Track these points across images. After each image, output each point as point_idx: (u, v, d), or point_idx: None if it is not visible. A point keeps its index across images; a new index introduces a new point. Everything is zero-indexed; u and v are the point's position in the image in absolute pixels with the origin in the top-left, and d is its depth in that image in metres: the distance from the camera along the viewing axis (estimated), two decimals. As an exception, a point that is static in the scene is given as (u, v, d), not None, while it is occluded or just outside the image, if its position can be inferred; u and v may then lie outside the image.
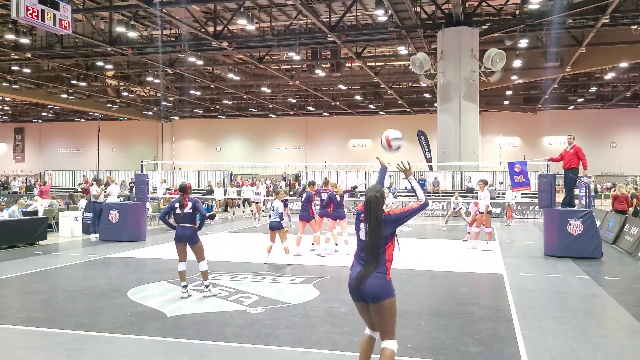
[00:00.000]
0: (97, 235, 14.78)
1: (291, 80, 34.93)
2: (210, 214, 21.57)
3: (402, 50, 29.68)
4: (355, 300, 4.19)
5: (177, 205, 7.58)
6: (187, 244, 7.62)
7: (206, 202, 22.13)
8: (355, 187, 13.21)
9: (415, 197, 4.43)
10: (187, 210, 7.52)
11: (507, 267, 10.42)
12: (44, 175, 39.10)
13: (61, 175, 36.99)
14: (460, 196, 20.02)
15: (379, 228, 4.06)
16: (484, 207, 12.91)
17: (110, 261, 11.00)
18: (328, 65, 33.08)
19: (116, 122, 54.13)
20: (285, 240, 10.36)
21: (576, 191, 19.13)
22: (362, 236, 4.17)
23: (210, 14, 25.94)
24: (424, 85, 33.31)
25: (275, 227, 10.36)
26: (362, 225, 4.18)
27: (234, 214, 24.17)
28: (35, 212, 15.57)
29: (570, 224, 11.53)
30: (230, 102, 46.30)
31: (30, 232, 13.30)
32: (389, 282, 4.10)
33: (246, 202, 23.55)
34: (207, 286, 7.71)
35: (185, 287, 7.66)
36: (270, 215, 10.62)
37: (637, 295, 8.17)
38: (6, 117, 57.32)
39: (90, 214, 15.95)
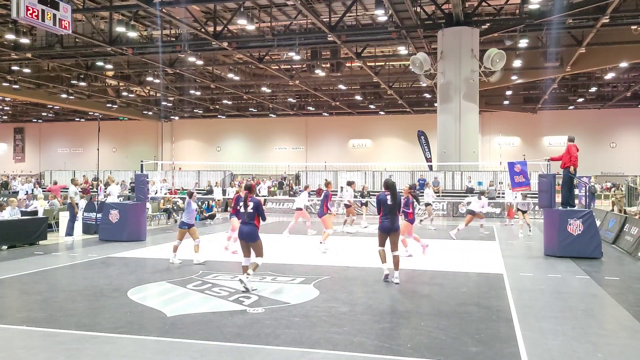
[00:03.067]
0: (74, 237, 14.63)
1: (291, 80, 34.93)
2: (210, 214, 21.64)
3: (402, 50, 29.68)
4: (384, 233, 8.71)
5: (241, 203, 8.09)
6: (247, 242, 8.00)
7: (206, 202, 22.12)
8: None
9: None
10: (249, 210, 7.96)
11: (507, 267, 10.43)
12: (43, 175, 39.11)
13: (61, 175, 36.97)
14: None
15: (396, 198, 8.71)
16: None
17: (110, 261, 11.00)
18: (328, 65, 33.08)
19: (116, 122, 54.13)
20: (197, 238, 10.54)
21: (575, 191, 19.17)
22: (389, 202, 8.64)
23: (210, 14, 25.94)
24: (424, 85, 33.29)
25: (186, 227, 10.47)
26: (388, 198, 8.66)
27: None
28: (35, 212, 15.56)
29: (570, 224, 11.53)
30: (230, 102, 46.31)
31: (31, 232, 13.31)
32: (398, 222, 8.86)
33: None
34: (248, 274, 7.94)
35: (244, 279, 7.93)
36: (181, 215, 10.91)
37: (637, 295, 8.18)
38: (6, 117, 57.33)
39: (92, 214, 15.97)
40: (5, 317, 6.70)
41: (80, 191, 16.14)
